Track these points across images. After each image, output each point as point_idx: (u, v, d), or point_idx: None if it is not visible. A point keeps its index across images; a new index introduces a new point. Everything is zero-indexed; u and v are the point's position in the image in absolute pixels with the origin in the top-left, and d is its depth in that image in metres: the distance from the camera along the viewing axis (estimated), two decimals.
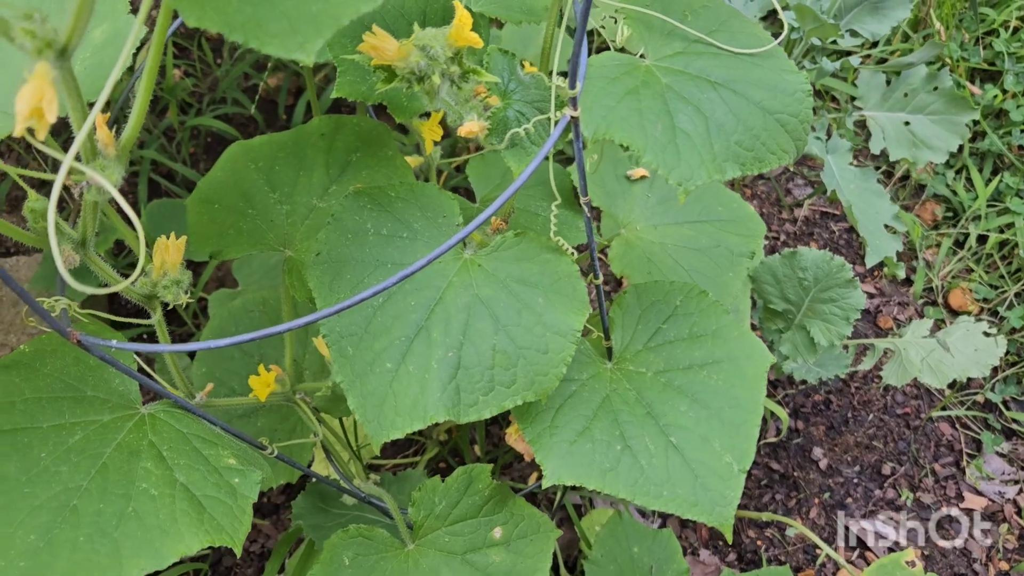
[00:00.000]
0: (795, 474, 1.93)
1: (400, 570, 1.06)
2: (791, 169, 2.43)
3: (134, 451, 0.85)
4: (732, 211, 1.33)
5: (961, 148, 2.36)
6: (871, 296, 2.21)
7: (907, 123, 1.79)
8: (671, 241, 1.28)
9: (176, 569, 1.63)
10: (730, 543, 0.98)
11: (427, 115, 1.23)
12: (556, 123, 0.81)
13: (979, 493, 1.92)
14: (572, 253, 0.93)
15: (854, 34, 1.71)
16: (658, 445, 0.98)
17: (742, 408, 1.00)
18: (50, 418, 0.86)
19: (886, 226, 1.61)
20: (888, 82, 1.80)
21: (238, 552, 0.82)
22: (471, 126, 0.84)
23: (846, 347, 1.66)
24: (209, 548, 0.94)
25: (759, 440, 1.18)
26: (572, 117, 0.77)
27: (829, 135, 1.73)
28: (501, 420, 1.88)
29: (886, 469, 1.95)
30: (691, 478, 0.96)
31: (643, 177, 1.32)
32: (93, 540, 0.79)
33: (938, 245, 2.24)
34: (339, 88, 0.89)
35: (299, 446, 1.28)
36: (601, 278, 0.97)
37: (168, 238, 0.93)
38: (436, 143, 1.21)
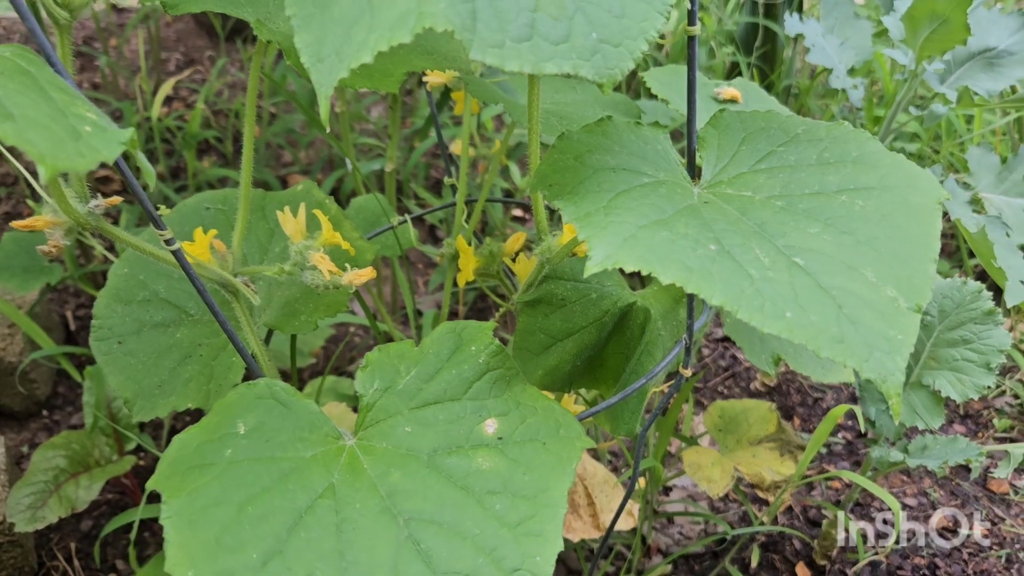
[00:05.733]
0: None
1: (324, 468, 0.64)
2: None
3: None
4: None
5: None
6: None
7: None
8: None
9: None
10: (897, 414, 0.58)
11: None
12: None
13: None
14: None
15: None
16: (776, 261, 0.61)
17: (907, 240, 0.64)
18: None
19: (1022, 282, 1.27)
20: (1004, 160, 1.54)
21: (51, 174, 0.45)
22: None
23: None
24: None
25: None
26: None
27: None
28: None
29: None
30: (831, 306, 0.59)
31: (733, 100, 1.04)
32: None
33: None
34: None
35: (225, 365, 0.90)
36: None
37: None
38: None
